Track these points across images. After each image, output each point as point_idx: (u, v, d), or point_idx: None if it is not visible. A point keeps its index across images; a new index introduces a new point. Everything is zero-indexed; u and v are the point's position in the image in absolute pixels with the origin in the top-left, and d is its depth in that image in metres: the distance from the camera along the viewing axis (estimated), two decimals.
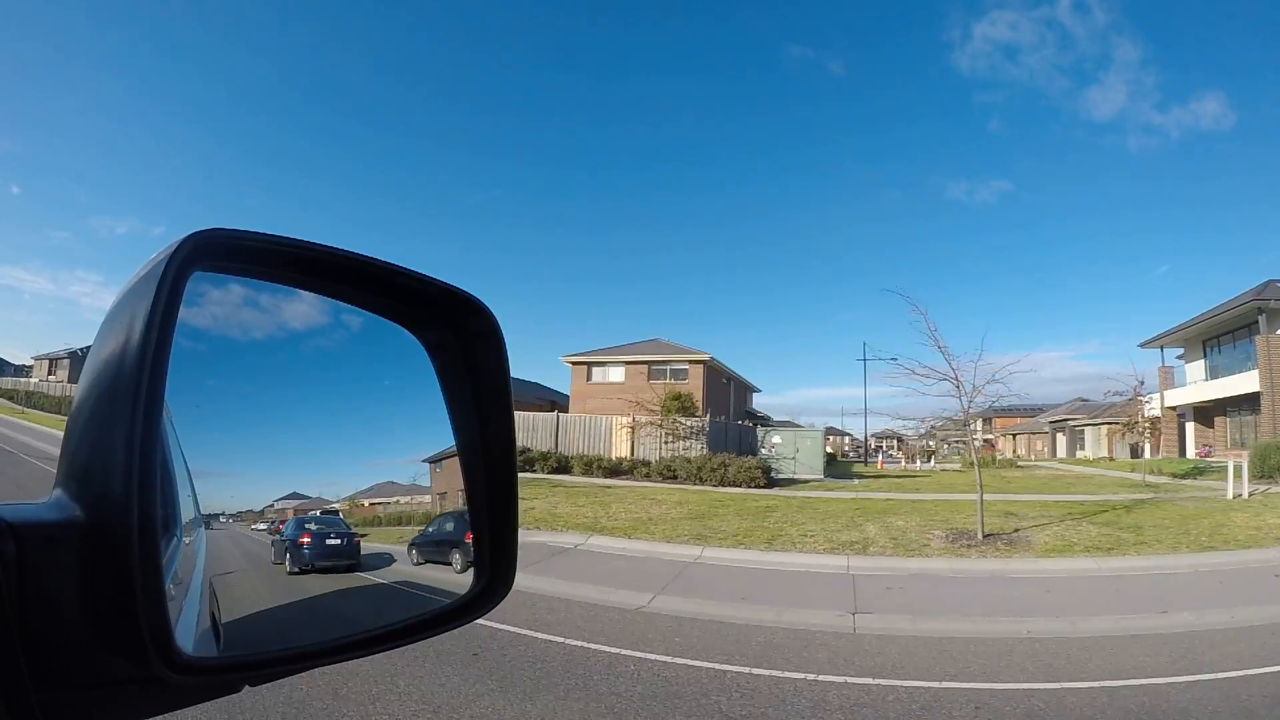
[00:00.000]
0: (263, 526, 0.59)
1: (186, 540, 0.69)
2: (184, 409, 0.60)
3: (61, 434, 0.55)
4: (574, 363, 36.97)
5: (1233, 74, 64.48)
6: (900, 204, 76.57)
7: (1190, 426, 32.67)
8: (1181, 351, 34.44)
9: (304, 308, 0.74)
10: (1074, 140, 72.14)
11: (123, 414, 0.48)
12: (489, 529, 0.80)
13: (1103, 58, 71.28)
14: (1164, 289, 76.33)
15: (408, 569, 0.78)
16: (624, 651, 5.35)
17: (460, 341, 0.81)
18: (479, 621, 0.58)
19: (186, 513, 0.69)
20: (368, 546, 0.62)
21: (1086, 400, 49.11)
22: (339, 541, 0.51)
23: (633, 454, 22.61)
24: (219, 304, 0.66)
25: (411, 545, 0.64)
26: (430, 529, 0.64)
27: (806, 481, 20.99)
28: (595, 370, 36.43)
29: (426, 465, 0.75)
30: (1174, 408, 32.46)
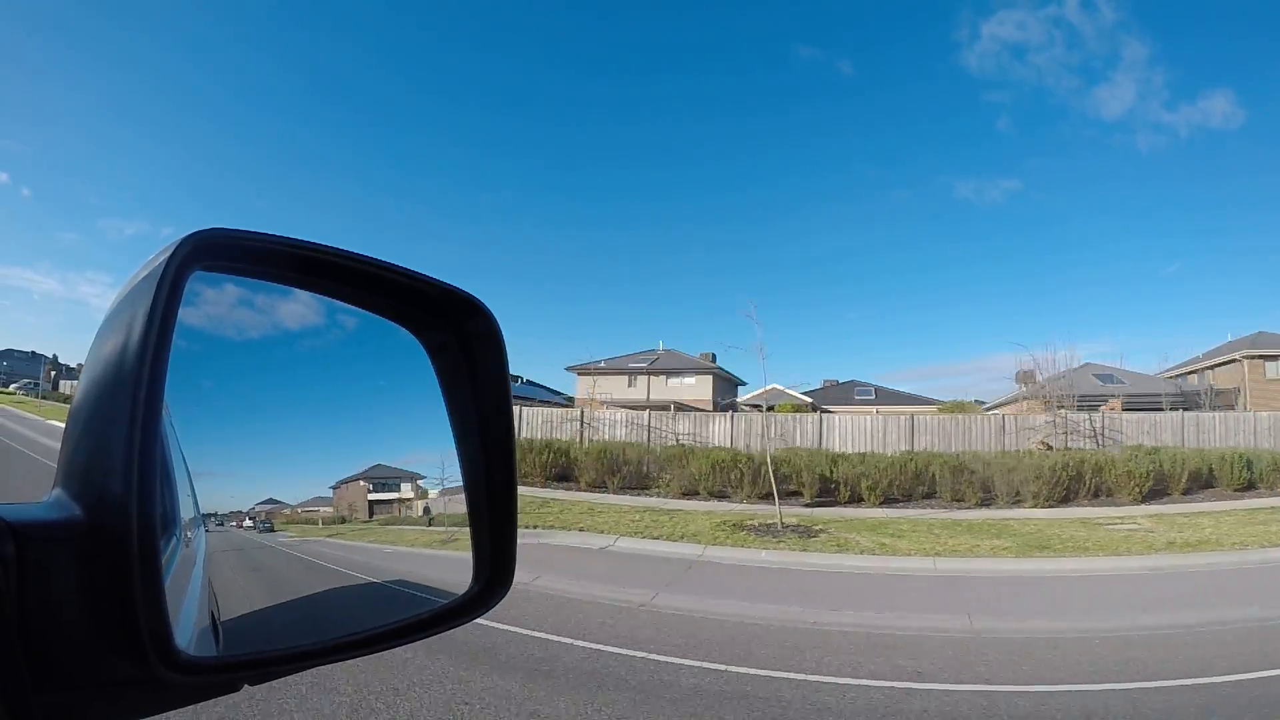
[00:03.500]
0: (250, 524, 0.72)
1: (186, 540, 0.69)
2: (183, 409, 0.60)
3: None
4: (1254, 357, 32.17)
5: (1241, 71, 64.89)
6: (909, 203, 76.96)
7: None
8: None
9: (301, 308, 0.74)
10: (1083, 139, 72.50)
11: (123, 414, 0.48)
12: (489, 530, 0.81)
13: (1111, 56, 71.54)
14: (1173, 288, 76.70)
15: (392, 565, 0.89)
16: None
17: (461, 342, 0.81)
18: None
19: (186, 512, 0.69)
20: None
21: None
22: (267, 524, 0.70)
23: None
24: (214, 304, 0.66)
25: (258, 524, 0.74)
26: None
27: None
28: (1269, 365, 31.81)
29: (365, 476, 0.82)
30: None
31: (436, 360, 0.83)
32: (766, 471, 14.08)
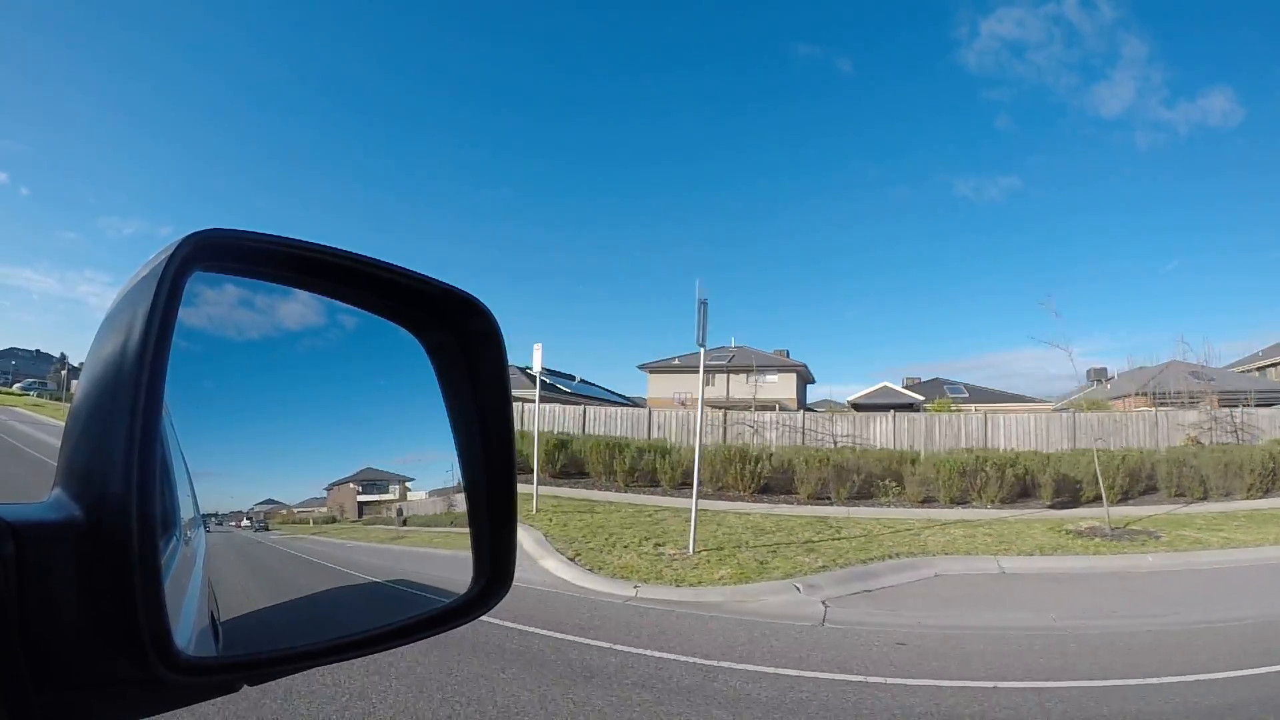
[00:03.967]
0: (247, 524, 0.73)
1: (186, 540, 0.69)
2: (183, 409, 0.60)
3: None
4: None
5: (1239, 69, 65.10)
6: (908, 201, 77.54)
7: None
8: None
9: (300, 308, 0.74)
10: (1082, 137, 73.01)
11: (122, 414, 0.48)
12: (489, 530, 0.81)
13: (1110, 54, 71.90)
14: (1173, 285, 77.25)
15: (390, 564, 0.89)
16: None
17: (460, 342, 0.81)
18: None
19: (186, 512, 0.69)
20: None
21: None
22: (262, 524, 0.72)
23: None
24: (214, 304, 0.66)
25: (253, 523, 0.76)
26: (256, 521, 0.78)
27: None
28: None
29: (355, 479, 0.83)
30: None
31: (436, 360, 0.83)
32: (1009, 474, 13.95)
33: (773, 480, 15.75)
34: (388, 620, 0.74)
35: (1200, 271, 73.78)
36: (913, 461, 15.61)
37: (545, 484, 15.44)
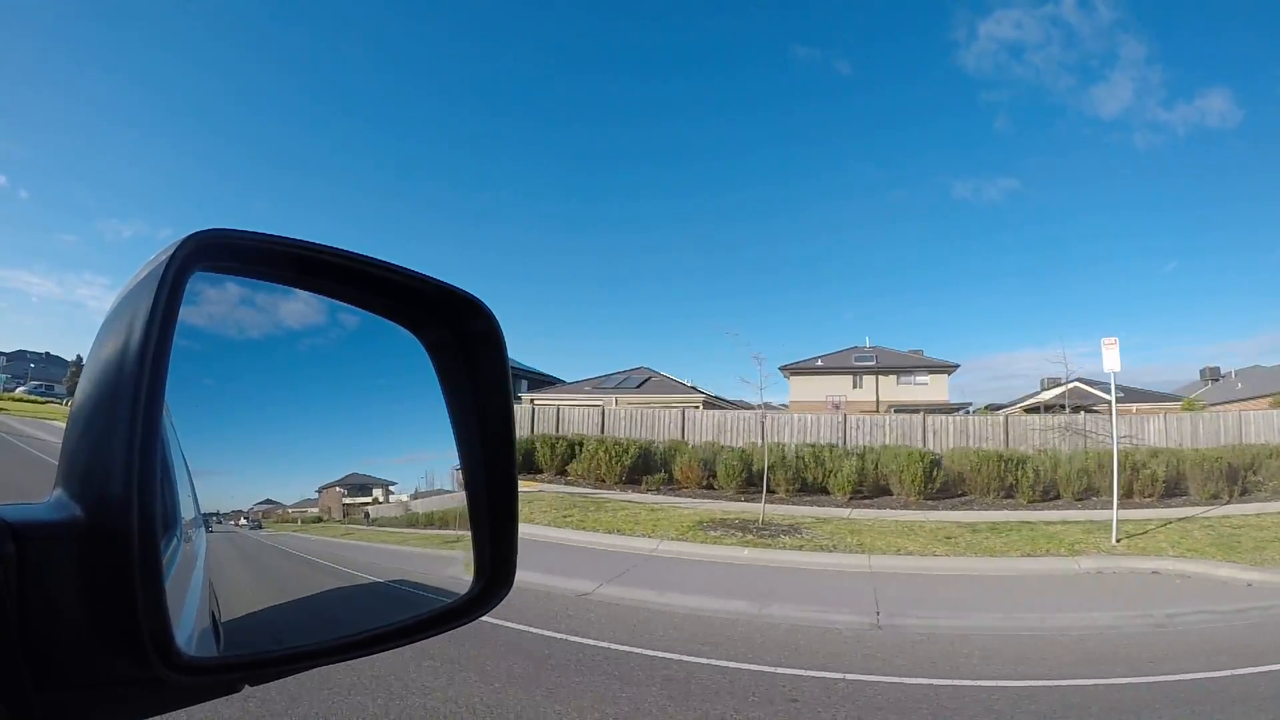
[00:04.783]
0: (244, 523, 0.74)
1: (186, 540, 0.69)
2: (184, 408, 0.60)
3: None
4: None
5: (1238, 71, 64.91)
6: (907, 203, 77.56)
7: None
8: None
9: (301, 307, 0.74)
10: (1081, 138, 72.96)
11: (123, 414, 0.48)
12: (489, 529, 0.80)
13: (1108, 55, 71.83)
14: (1173, 285, 77.38)
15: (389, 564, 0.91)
16: None
17: (460, 341, 0.81)
18: None
19: (186, 512, 0.70)
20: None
21: None
22: (256, 523, 0.72)
23: None
24: (216, 303, 0.66)
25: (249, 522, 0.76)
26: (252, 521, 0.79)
27: None
28: None
29: (342, 483, 0.83)
30: None
31: (437, 360, 0.83)
32: None
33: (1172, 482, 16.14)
34: (389, 620, 0.74)
35: (1200, 272, 73.67)
36: (1271, 456, 16.37)
37: (919, 508, 14.58)
